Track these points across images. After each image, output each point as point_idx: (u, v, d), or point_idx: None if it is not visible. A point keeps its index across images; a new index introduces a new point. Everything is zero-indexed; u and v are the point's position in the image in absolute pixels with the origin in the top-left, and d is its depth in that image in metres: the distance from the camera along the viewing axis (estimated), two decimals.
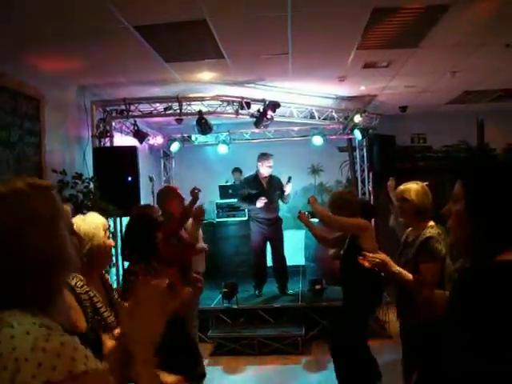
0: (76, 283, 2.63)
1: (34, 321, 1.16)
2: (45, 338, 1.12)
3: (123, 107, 7.26)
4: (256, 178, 7.89)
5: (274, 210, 7.82)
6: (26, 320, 1.16)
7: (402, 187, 3.87)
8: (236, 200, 8.40)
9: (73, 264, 1.29)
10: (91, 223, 2.87)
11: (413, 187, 3.79)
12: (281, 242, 7.96)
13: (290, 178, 7.83)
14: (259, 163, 7.80)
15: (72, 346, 1.15)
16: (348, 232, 4.65)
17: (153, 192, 6.90)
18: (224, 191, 9.89)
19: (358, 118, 8.50)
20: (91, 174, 6.37)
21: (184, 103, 7.33)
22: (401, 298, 3.83)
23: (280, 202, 7.98)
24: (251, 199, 7.69)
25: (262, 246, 7.89)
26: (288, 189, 7.78)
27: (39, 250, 1.21)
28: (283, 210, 9.04)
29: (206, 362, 6.41)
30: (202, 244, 5.68)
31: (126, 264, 3.78)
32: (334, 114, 8.86)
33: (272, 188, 7.81)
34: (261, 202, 7.57)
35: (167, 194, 5.53)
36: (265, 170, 7.78)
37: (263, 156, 7.79)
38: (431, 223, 3.68)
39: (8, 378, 1.06)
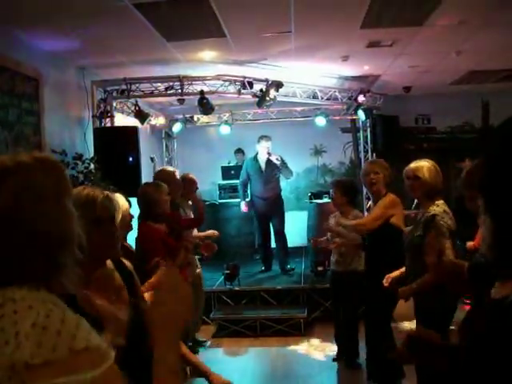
0: None
1: (38, 296, 1.15)
2: (46, 313, 1.11)
3: (124, 87, 7.16)
4: (255, 158, 8.27)
5: (269, 189, 8.12)
6: (29, 295, 1.14)
7: (413, 165, 3.78)
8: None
9: (77, 242, 1.25)
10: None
11: (425, 165, 3.74)
12: (280, 219, 8.19)
13: (269, 154, 8.05)
14: (257, 145, 8.21)
15: (74, 323, 1.13)
16: (388, 217, 4.40)
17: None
18: (226, 172, 9.85)
19: (361, 98, 8.41)
20: (92, 155, 6.30)
21: (185, 83, 7.22)
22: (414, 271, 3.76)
23: (284, 178, 8.38)
24: (243, 189, 8.41)
25: (263, 224, 8.32)
26: (274, 159, 8.00)
27: (39, 225, 1.18)
28: (286, 190, 9.08)
29: (207, 343, 6.45)
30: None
31: None
32: (337, 94, 8.76)
33: (269, 169, 8.12)
34: (243, 207, 8.37)
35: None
36: (262, 151, 8.11)
37: (260, 138, 8.18)
38: (439, 201, 3.64)
39: (8, 353, 1.06)
